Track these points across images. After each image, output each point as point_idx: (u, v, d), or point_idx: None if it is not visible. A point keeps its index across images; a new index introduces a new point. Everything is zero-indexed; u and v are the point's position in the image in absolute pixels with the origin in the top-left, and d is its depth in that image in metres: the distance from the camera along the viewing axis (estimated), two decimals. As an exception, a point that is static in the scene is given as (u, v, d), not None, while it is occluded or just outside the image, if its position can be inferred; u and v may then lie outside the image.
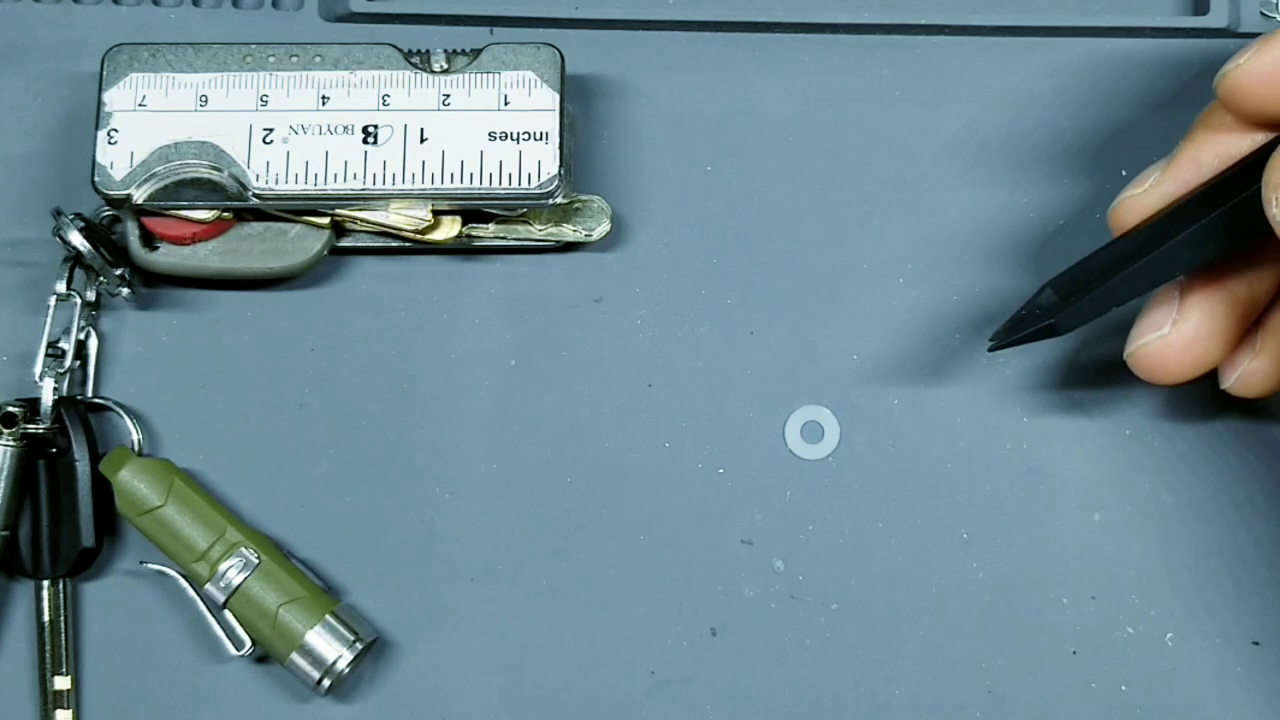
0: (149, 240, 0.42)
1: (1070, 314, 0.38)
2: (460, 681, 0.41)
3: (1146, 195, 0.38)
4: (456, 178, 0.41)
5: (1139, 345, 0.38)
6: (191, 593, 0.41)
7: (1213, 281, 0.38)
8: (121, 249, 0.42)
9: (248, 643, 0.40)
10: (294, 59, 0.42)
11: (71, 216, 0.41)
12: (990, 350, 0.40)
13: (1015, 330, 0.39)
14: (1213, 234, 0.36)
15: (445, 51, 0.42)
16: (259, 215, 0.42)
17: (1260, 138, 0.36)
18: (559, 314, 0.43)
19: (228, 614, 0.40)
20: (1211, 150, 0.37)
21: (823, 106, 0.44)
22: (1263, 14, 0.44)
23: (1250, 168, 0.35)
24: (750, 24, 0.44)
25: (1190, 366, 0.38)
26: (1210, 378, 0.39)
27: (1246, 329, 0.38)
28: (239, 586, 0.40)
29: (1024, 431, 0.42)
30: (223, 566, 0.40)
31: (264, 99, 0.41)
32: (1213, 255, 0.36)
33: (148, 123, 0.41)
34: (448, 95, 0.41)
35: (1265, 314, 0.38)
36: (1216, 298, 0.38)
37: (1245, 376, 0.39)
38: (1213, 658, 0.41)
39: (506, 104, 0.41)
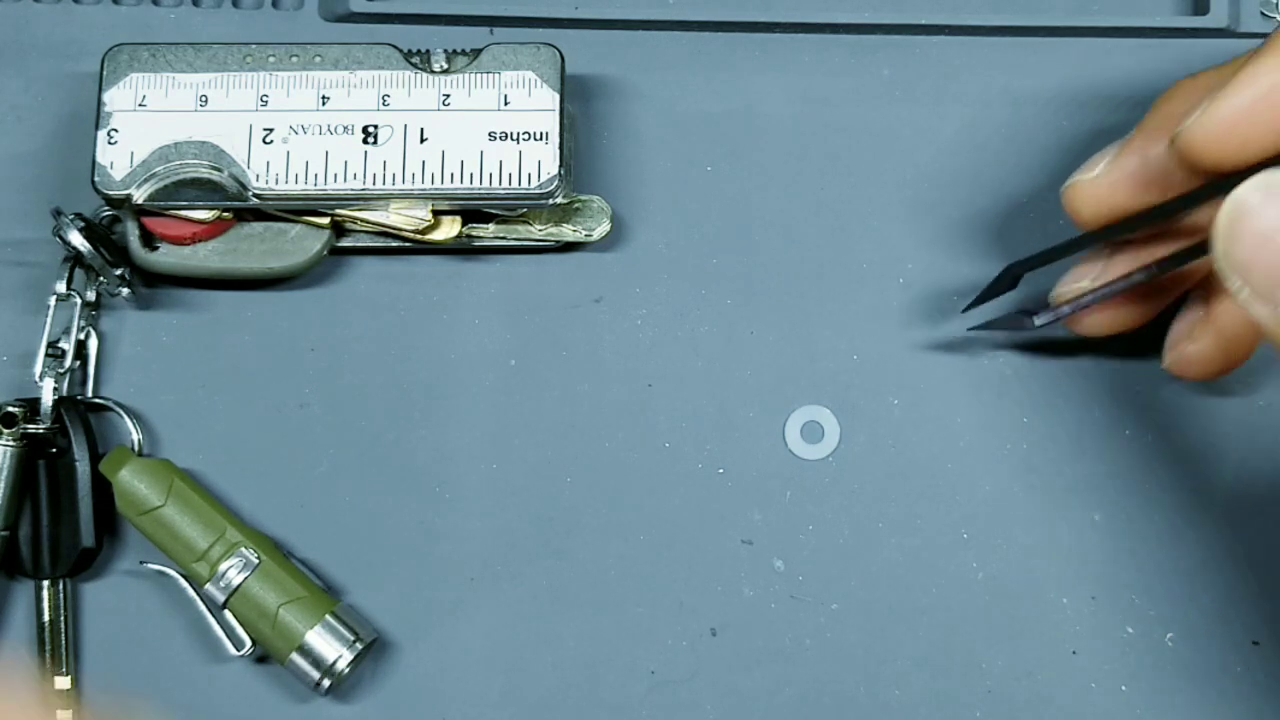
0: (149, 240, 0.42)
1: (1024, 266, 0.40)
2: (460, 681, 0.41)
3: (1095, 181, 0.39)
4: (456, 178, 0.41)
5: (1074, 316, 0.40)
6: (191, 593, 0.41)
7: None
8: (121, 249, 0.42)
9: (248, 643, 0.40)
10: (294, 59, 0.42)
11: (71, 216, 0.41)
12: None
13: (982, 301, 0.41)
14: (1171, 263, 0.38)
15: (445, 51, 0.42)
16: (259, 215, 0.42)
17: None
18: (559, 314, 0.43)
19: (228, 614, 0.40)
20: (1160, 146, 0.37)
21: (823, 106, 0.44)
22: (1263, 14, 0.44)
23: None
24: (750, 24, 0.44)
25: (1107, 322, 0.40)
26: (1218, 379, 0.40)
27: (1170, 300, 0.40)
28: (239, 586, 0.40)
29: (1024, 431, 0.42)
30: (223, 566, 0.40)
31: (264, 99, 0.41)
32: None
33: (148, 123, 0.41)
34: (448, 95, 0.41)
35: (1212, 304, 0.39)
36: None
37: (1182, 360, 0.40)
38: (1213, 658, 0.41)
39: (506, 104, 0.41)
